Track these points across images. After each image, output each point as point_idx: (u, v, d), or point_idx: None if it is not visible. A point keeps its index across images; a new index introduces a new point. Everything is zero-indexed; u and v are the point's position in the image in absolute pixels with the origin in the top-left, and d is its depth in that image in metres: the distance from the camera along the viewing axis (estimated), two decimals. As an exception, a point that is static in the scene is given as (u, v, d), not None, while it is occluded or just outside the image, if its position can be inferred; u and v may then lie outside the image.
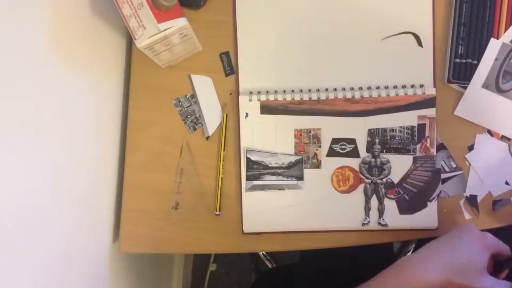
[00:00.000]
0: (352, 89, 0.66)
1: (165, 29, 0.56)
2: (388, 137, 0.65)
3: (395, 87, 0.66)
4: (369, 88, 0.66)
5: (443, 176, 0.65)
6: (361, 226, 0.65)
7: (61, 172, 0.54)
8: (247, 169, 0.66)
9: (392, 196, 0.65)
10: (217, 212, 0.66)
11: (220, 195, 0.66)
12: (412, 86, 0.65)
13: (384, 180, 0.65)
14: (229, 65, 0.69)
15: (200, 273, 1.39)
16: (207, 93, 0.68)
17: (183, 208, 0.66)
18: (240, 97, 0.67)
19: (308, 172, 0.66)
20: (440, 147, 0.66)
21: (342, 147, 0.66)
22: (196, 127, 0.68)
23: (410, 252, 1.01)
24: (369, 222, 0.65)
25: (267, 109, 0.66)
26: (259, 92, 0.67)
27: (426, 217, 0.64)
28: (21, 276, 0.46)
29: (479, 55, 0.65)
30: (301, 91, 0.66)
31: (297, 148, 0.66)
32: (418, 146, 0.65)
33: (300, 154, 0.66)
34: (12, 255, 0.44)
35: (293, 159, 0.66)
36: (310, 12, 0.68)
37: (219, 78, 0.69)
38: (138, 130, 0.68)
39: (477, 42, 0.65)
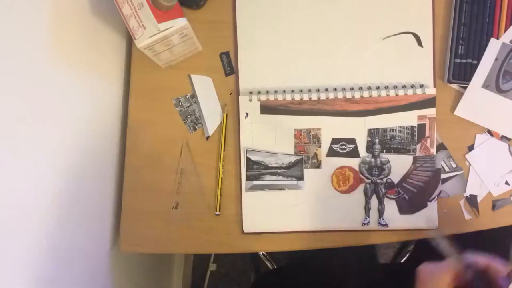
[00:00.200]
0: (352, 89, 0.66)
1: (165, 29, 0.56)
2: (388, 137, 0.65)
3: (395, 87, 0.66)
4: (369, 88, 0.66)
5: (443, 176, 0.65)
6: (361, 226, 0.65)
7: (61, 172, 0.54)
8: (247, 169, 0.66)
9: (392, 196, 0.65)
10: (217, 212, 0.66)
11: (220, 195, 0.66)
12: (412, 86, 0.65)
13: (384, 180, 0.65)
14: (229, 65, 0.69)
15: (200, 273, 1.39)
16: (207, 93, 0.68)
17: (183, 208, 0.66)
18: (240, 97, 0.67)
19: (308, 172, 0.66)
20: (440, 147, 0.66)
21: (342, 147, 0.66)
22: (196, 127, 0.68)
23: (408, 255, 1.01)
24: (369, 222, 0.65)
25: (267, 109, 0.66)
26: (259, 92, 0.67)
27: (426, 217, 0.64)
28: (21, 276, 0.46)
29: (479, 55, 0.65)
30: (301, 91, 0.66)
31: (297, 148, 0.66)
32: (418, 146, 0.65)
33: (300, 154, 0.66)
34: (12, 255, 0.44)
35: (293, 159, 0.66)
36: (310, 12, 0.68)
37: (219, 78, 0.69)
38: (138, 130, 0.68)
39: (477, 42, 0.65)
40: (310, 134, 0.66)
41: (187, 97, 0.69)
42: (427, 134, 0.65)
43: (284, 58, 0.68)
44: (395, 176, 0.65)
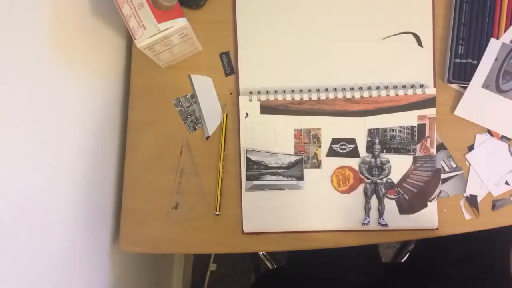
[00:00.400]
0: (352, 89, 0.66)
1: (165, 29, 0.56)
2: (388, 137, 0.65)
3: (395, 87, 0.66)
4: (369, 88, 0.66)
5: (443, 176, 0.65)
6: (361, 226, 0.65)
7: (61, 172, 0.54)
8: (247, 169, 0.66)
9: (392, 196, 0.65)
10: (217, 212, 0.66)
11: (220, 195, 0.66)
12: (412, 86, 0.65)
13: (384, 180, 0.65)
14: (229, 65, 0.69)
15: (200, 273, 1.39)
16: (207, 93, 0.68)
17: (183, 208, 0.66)
18: (240, 97, 0.67)
19: (308, 172, 0.66)
20: (440, 147, 0.66)
21: (342, 147, 0.66)
22: (196, 127, 0.68)
23: (408, 254, 1.00)
24: (369, 222, 0.65)
25: (267, 109, 0.66)
26: (259, 92, 0.67)
27: (426, 217, 0.64)
28: (21, 276, 0.46)
29: (479, 55, 0.65)
30: (301, 91, 0.66)
31: (297, 148, 0.66)
32: (418, 146, 0.65)
33: (300, 154, 0.66)
34: (12, 255, 0.44)
35: (293, 159, 0.66)
36: (310, 12, 0.68)
37: (219, 78, 0.69)
38: (138, 130, 0.68)
39: (477, 42, 0.65)
40: (310, 134, 0.66)
41: (187, 97, 0.69)
42: (427, 134, 0.65)
43: (284, 58, 0.68)
44: (395, 176, 0.65)
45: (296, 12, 0.68)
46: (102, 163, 0.65)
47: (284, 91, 0.66)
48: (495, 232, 0.65)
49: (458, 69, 0.65)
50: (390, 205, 0.65)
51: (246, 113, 0.67)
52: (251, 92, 0.67)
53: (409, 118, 0.65)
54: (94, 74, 0.62)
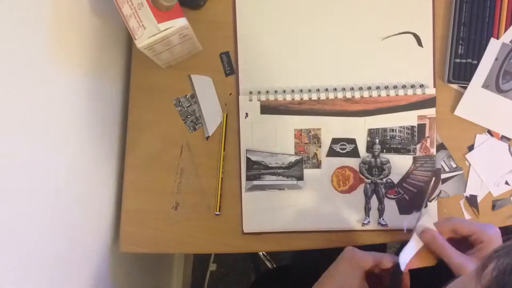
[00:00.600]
0: (352, 89, 0.66)
1: (165, 29, 0.56)
2: (388, 137, 0.65)
3: (395, 87, 0.66)
4: (369, 88, 0.66)
5: (443, 176, 0.65)
6: (361, 226, 0.65)
7: (61, 172, 0.54)
8: (247, 169, 0.66)
9: (392, 196, 0.65)
10: (217, 212, 0.66)
11: (220, 195, 0.66)
12: (412, 86, 0.65)
13: (384, 180, 0.65)
14: (229, 65, 0.69)
15: (200, 273, 1.39)
16: (207, 93, 0.68)
17: (183, 208, 0.66)
18: (240, 97, 0.67)
19: (308, 172, 0.66)
20: (440, 147, 0.66)
21: (342, 147, 0.66)
22: (196, 127, 0.68)
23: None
24: (369, 222, 0.65)
25: (267, 109, 0.66)
26: (259, 92, 0.67)
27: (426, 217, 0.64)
28: (21, 276, 0.46)
29: (479, 55, 0.65)
30: (301, 91, 0.66)
31: (297, 148, 0.66)
32: (418, 146, 0.65)
33: (300, 154, 0.66)
34: (12, 255, 0.44)
35: (293, 159, 0.66)
36: (310, 12, 0.68)
37: (219, 78, 0.69)
38: (138, 130, 0.68)
39: (477, 42, 0.65)
40: (310, 134, 0.66)
41: (187, 97, 0.69)
42: (427, 134, 0.65)
43: (284, 58, 0.68)
44: (395, 176, 0.65)
45: (296, 12, 0.68)
46: (102, 163, 0.65)
47: (284, 91, 0.66)
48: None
49: (458, 69, 0.65)
50: (390, 205, 0.65)
51: (246, 113, 0.67)
52: (251, 92, 0.67)
53: (409, 118, 0.65)
54: (94, 74, 0.62)
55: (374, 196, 0.65)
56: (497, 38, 0.65)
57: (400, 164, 0.65)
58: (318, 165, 0.66)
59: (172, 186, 0.67)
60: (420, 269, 0.51)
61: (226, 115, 0.68)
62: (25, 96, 0.46)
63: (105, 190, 0.66)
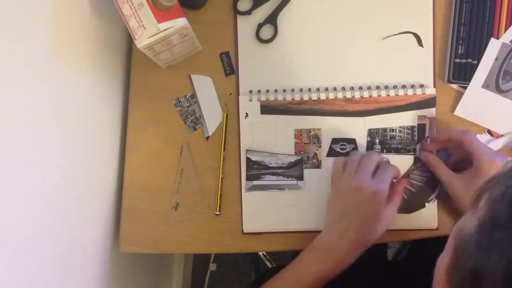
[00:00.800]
0: (352, 89, 0.66)
1: (165, 29, 0.56)
2: (388, 137, 0.65)
3: (395, 87, 0.66)
4: (369, 88, 0.66)
5: (443, 176, 0.65)
6: (361, 226, 0.65)
7: (61, 172, 0.54)
8: (247, 169, 0.66)
9: (392, 196, 0.65)
10: (217, 212, 0.66)
11: (220, 195, 0.66)
12: (412, 86, 0.65)
13: (384, 180, 0.65)
14: (229, 65, 0.69)
15: (200, 273, 1.39)
16: (207, 93, 0.68)
17: (183, 208, 0.66)
18: (240, 97, 0.67)
19: (308, 172, 0.66)
20: (440, 147, 0.66)
21: (342, 147, 0.66)
22: (196, 127, 0.68)
23: (406, 253, 1.01)
24: (369, 222, 0.65)
25: (267, 109, 0.66)
26: (259, 92, 0.67)
27: (426, 217, 0.64)
28: (21, 277, 0.46)
29: (479, 55, 0.65)
30: (301, 91, 0.66)
31: (297, 148, 0.66)
32: (418, 146, 0.65)
33: (300, 154, 0.66)
34: (12, 255, 0.44)
35: (293, 159, 0.66)
36: (310, 12, 0.68)
37: (219, 78, 0.69)
38: (138, 130, 0.68)
39: (477, 42, 0.65)
40: (310, 134, 0.66)
41: (187, 97, 0.69)
42: (427, 134, 0.65)
43: (284, 58, 0.68)
44: (395, 176, 0.65)
45: (296, 12, 0.68)
46: (102, 163, 0.65)
47: (284, 91, 0.66)
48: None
49: (458, 69, 0.65)
50: (390, 205, 0.65)
51: (246, 113, 0.67)
52: (251, 92, 0.67)
53: (409, 118, 0.65)
54: (94, 74, 0.62)
55: (374, 196, 0.65)
56: (497, 38, 0.65)
57: (400, 164, 0.65)
58: (318, 165, 0.66)
59: (172, 186, 0.67)
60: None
61: (226, 115, 0.68)
62: (24, 96, 0.45)
63: (105, 190, 0.66)
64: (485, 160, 0.53)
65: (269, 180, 0.66)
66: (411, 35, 0.67)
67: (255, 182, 0.66)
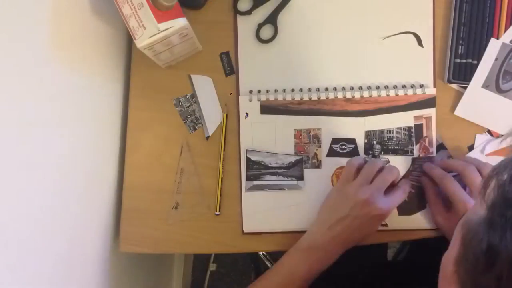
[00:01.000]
0: (352, 89, 0.66)
1: (165, 29, 0.56)
2: (386, 139, 0.65)
3: (395, 87, 0.66)
4: (369, 88, 0.66)
5: (443, 176, 0.65)
6: (361, 226, 0.65)
7: (61, 172, 0.54)
8: (247, 169, 0.66)
9: (392, 196, 0.65)
10: (217, 212, 0.66)
11: (220, 195, 0.66)
12: (412, 86, 0.65)
13: (384, 180, 0.65)
14: (229, 65, 0.69)
15: (200, 273, 1.39)
16: (207, 93, 0.68)
17: (183, 208, 0.66)
18: (240, 97, 0.67)
19: (308, 172, 0.66)
20: (440, 147, 0.66)
21: (342, 147, 0.66)
22: (196, 127, 0.68)
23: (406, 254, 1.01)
24: (369, 222, 0.65)
25: (267, 109, 0.66)
26: (259, 92, 0.67)
27: (426, 217, 0.64)
28: (21, 276, 0.46)
29: (479, 55, 0.65)
30: (301, 91, 0.66)
31: (297, 148, 0.66)
32: (417, 146, 0.65)
33: (300, 154, 0.66)
34: (12, 255, 0.44)
35: (293, 159, 0.66)
36: (310, 12, 0.68)
37: (219, 78, 0.69)
38: (138, 130, 0.68)
39: (477, 42, 0.65)
40: (310, 134, 0.66)
41: (187, 97, 0.69)
42: (425, 134, 0.65)
43: (284, 58, 0.68)
44: (395, 176, 0.65)
45: (296, 12, 0.68)
46: (102, 163, 0.65)
47: (284, 91, 0.66)
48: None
49: (458, 69, 0.65)
50: (390, 205, 0.65)
51: (246, 113, 0.67)
52: (251, 92, 0.67)
53: (410, 118, 0.65)
54: (94, 74, 0.62)
55: (374, 196, 0.65)
56: (497, 38, 0.65)
57: (398, 166, 0.64)
58: (318, 165, 0.66)
59: (172, 186, 0.67)
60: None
61: (226, 115, 0.68)
62: (24, 96, 0.46)
63: (105, 190, 0.66)
64: (460, 203, 0.57)
65: (269, 180, 0.66)
66: (411, 35, 0.67)
67: (255, 182, 0.66)
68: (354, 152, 0.65)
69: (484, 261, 0.31)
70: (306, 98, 0.66)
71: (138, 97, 0.69)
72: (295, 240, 0.65)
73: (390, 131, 0.65)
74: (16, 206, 0.45)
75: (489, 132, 0.66)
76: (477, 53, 0.65)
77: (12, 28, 0.43)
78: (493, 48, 0.65)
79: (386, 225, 0.64)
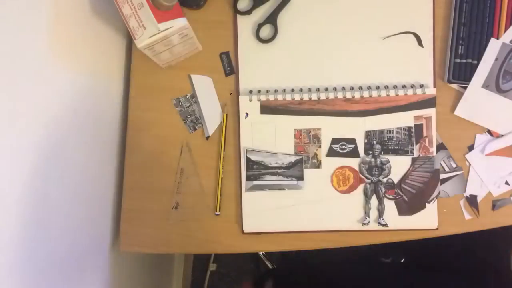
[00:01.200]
0: (352, 89, 0.66)
1: (165, 29, 0.56)
2: (386, 139, 0.65)
3: (395, 87, 0.66)
4: (369, 88, 0.66)
5: (443, 176, 0.65)
6: (361, 226, 0.65)
7: (61, 172, 0.54)
8: (247, 169, 0.66)
9: (390, 197, 0.65)
10: (217, 212, 0.66)
11: (220, 195, 0.66)
12: (412, 86, 0.65)
13: (384, 180, 0.65)
14: (229, 65, 0.69)
15: (200, 273, 1.39)
16: (207, 93, 0.68)
17: (183, 208, 0.66)
18: (240, 97, 0.67)
19: (308, 172, 0.66)
20: (440, 147, 0.66)
21: (342, 147, 0.66)
22: (196, 127, 0.68)
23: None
24: (369, 222, 0.65)
25: (267, 109, 0.66)
26: (259, 92, 0.67)
27: (426, 217, 0.64)
28: (21, 277, 0.46)
29: (479, 55, 0.65)
30: (301, 91, 0.66)
31: (297, 148, 0.66)
32: (417, 146, 0.65)
33: (300, 154, 0.66)
34: (13, 255, 0.44)
35: (293, 159, 0.66)
36: (310, 12, 0.68)
37: (219, 78, 0.69)
38: (138, 130, 0.68)
39: (477, 42, 0.65)
40: (310, 134, 0.66)
41: (187, 97, 0.69)
42: (425, 134, 0.65)
43: (284, 58, 0.68)
44: (395, 176, 0.65)
45: (296, 12, 0.68)
46: (102, 163, 0.65)
47: (284, 91, 0.66)
48: (495, 231, 0.65)
49: (458, 69, 0.65)
50: (390, 205, 0.65)
51: (246, 113, 0.67)
52: (251, 92, 0.67)
53: (410, 118, 0.65)
54: (94, 74, 0.62)
55: (374, 196, 0.65)
56: (497, 38, 0.65)
57: (399, 165, 0.65)
58: (318, 165, 0.66)
59: (172, 186, 0.67)
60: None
61: (226, 115, 0.68)
62: (24, 96, 0.46)
63: (105, 190, 0.66)
64: None
65: (269, 180, 0.66)
66: (411, 35, 0.67)
67: (255, 182, 0.66)
68: (354, 152, 0.65)
69: None
70: (306, 98, 0.66)
71: (138, 97, 0.69)
72: (295, 240, 0.65)
73: (390, 131, 0.65)
74: (16, 206, 0.45)
75: (489, 132, 0.66)
76: (477, 53, 0.65)
77: (12, 28, 0.43)
78: (493, 48, 0.65)
79: (386, 225, 0.64)
